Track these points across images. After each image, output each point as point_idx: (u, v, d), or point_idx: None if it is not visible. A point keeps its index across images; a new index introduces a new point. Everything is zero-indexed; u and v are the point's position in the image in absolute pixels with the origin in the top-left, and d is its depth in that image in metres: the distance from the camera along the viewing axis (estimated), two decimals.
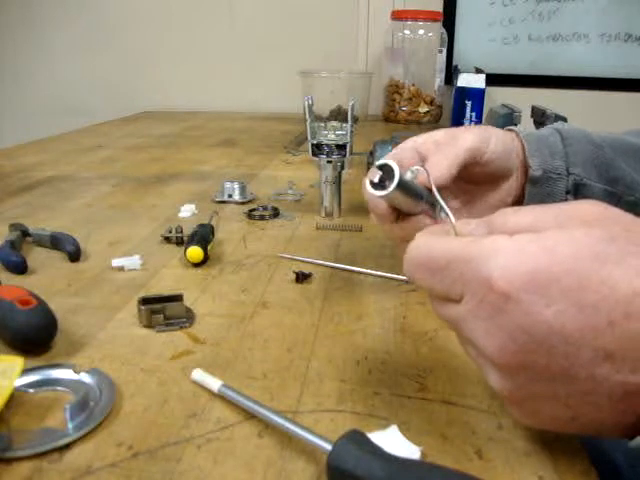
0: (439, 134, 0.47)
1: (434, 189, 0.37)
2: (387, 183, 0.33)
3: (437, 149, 0.45)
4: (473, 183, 0.50)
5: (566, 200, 0.51)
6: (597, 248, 0.25)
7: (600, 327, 0.24)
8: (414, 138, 0.46)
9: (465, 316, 0.28)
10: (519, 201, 0.53)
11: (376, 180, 0.34)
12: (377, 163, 0.34)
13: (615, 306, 0.24)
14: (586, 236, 0.26)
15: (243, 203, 0.76)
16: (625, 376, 0.25)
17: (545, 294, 0.25)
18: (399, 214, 0.41)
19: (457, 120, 1.37)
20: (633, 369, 0.25)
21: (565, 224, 0.28)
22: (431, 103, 1.62)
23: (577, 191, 0.52)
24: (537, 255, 0.26)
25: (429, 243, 0.30)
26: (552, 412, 0.28)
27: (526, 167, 0.52)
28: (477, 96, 1.34)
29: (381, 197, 0.34)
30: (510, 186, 0.51)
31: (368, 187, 0.34)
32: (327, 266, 0.56)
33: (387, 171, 0.33)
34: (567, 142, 0.52)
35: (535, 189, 0.51)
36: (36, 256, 0.58)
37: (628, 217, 0.28)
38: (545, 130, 0.55)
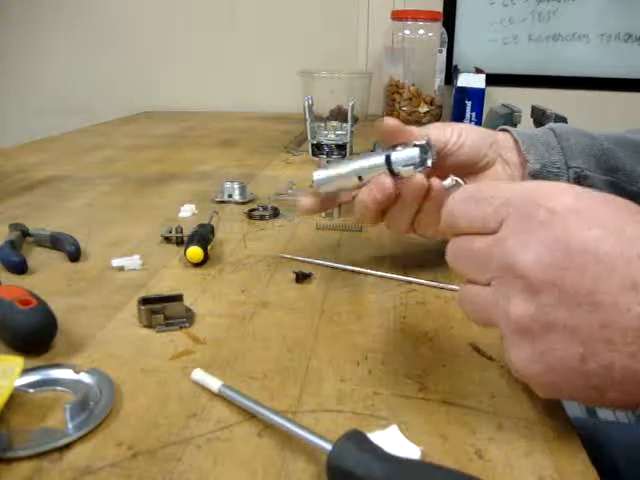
0: None
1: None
2: None
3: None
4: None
5: None
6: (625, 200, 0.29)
7: (632, 257, 0.26)
8: None
9: (503, 236, 0.30)
10: None
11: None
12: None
13: None
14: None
15: (243, 203, 0.76)
16: None
17: (587, 217, 0.28)
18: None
19: (457, 120, 1.37)
20: None
21: None
22: (431, 103, 1.62)
23: (579, 184, 0.52)
24: (580, 190, 0.30)
25: (477, 185, 0.33)
26: (563, 349, 0.28)
27: (523, 158, 0.52)
28: (477, 96, 1.34)
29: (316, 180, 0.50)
30: (495, 173, 0.52)
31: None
32: (327, 266, 0.56)
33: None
34: (561, 138, 0.53)
35: None
36: (36, 256, 0.58)
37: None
38: (537, 130, 0.55)
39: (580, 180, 0.52)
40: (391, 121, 0.48)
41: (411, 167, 0.44)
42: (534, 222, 0.28)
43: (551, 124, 0.56)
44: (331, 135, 0.71)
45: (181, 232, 0.61)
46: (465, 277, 0.33)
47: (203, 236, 0.57)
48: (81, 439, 0.31)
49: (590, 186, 0.52)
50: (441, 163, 0.49)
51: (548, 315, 0.28)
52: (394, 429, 0.32)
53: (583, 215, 0.28)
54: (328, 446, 0.28)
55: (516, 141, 0.53)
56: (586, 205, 0.29)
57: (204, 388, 0.36)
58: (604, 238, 0.27)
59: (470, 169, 0.52)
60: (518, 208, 0.30)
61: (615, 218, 0.28)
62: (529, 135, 0.54)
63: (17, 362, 0.34)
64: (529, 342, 0.29)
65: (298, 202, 0.53)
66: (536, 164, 0.51)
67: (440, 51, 1.60)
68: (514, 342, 0.30)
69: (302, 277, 0.52)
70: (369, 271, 0.54)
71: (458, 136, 0.50)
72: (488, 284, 0.31)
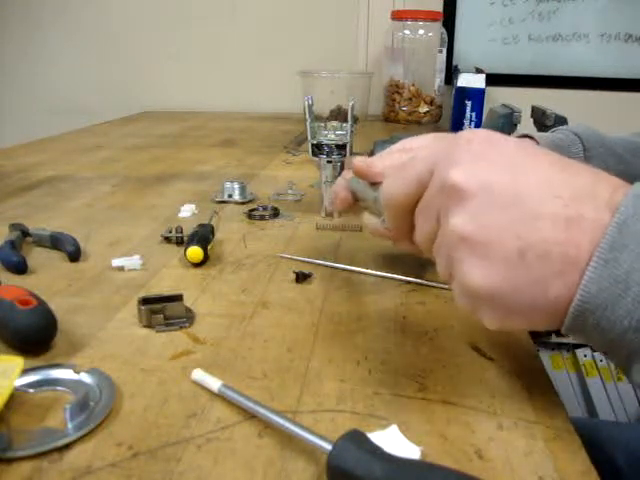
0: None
1: None
2: None
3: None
4: None
5: None
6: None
7: (541, 161, 0.31)
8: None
9: (435, 175, 0.33)
10: None
11: None
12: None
13: (551, 156, 0.31)
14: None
15: (243, 203, 0.76)
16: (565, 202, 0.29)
17: (501, 140, 0.32)
18: None
19: (457, 120, 1.37)
20: (571, 198, 0.29)
21: None
22: (431, 103, 1.62)
23: None
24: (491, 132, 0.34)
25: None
26: (501, 246, 0.29)
27: None
28: (477, 96, 1.34)
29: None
30: None
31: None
32: (327, 266, 0.56)
33: None
34: (589, 154, 0.51)
35: None
36: (36, 256, 0.58)
37: None
38: (564, 134, 0.53)
39: None
40: (357, 163, 0.46)
41: None
42: (457, 150, 0.32)
43: (577, 129, 0.54)
44: (331, 135, 0.70)
45: (181, 232, 0.61)
46: (428, 237, 0.35)
47: (203, 236, 0.57)
48: (81, 439, 0.31)
49: None
50: None
51: (482, 218, 0.30)
52: (394, 429, 0.32)
53: (497, 141, 0.32)
54: (328, 446, 0.28)
55: None
56: (498, 137, 0.33)
57: (204, 388, 0.36)
58: (516, 148, 0.31)
59: None
60: (442, 153, 0.33)
61: (521, 142, 0.33)
62: (555, 146, 0.51)
63: (17, 362, 0.34)
64: (470, 249, 0.30)
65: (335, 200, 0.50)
66: None
67: (440, 51, 1.60)
68: (460, 258, 0.31)
69: (302, 277, 0.52)
70: (369, 271, 0.54)
71: None
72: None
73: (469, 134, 0.33)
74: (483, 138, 0.32)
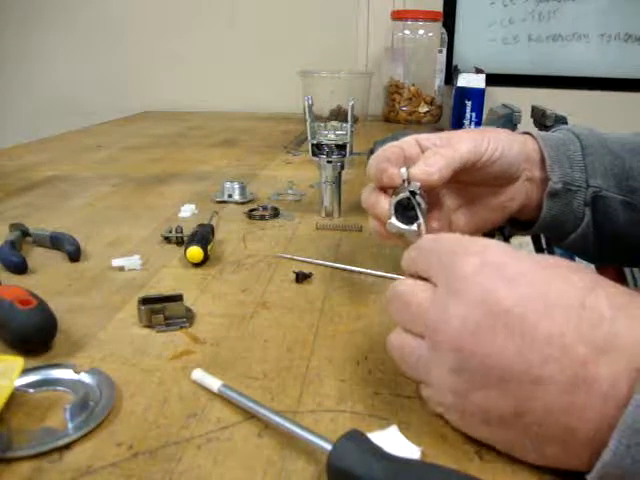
0: (438, 135, 0.47)
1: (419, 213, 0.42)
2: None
3: (434, 150, 0.45)
4: (474, 185, 0.50)
5: (583, 213, 0.50)
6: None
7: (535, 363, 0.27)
8: (416, 135, 0.47)
9: (433, 299, 0.32)
10: (532, 206, 0.51)
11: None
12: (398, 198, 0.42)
13: (544, 348, 0.27)
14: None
15: (243, 203, 0.76)
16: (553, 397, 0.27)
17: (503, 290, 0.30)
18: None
19: (457, 120, 1.36)
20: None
21: None
22: (431, 103, 1.62)
23: (595, 203, 0.50)
24: (493, 266, 0.31)
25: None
26: (497, 406, 0.29)
27: (545, 174, 0.50)
28: (477, 96, 1.34)
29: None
30: (515, 190, 0.50)
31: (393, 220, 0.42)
32: (327, 266, 0.56)
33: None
34: (586, 152, 0.50)
35: (553, 201, 0.50)
36: (36, 256, 0.58)
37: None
38: (563, 134, 0.53)
39: (596, 199, 0.50)
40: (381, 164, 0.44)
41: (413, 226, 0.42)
42: (452, 291, 0.31)
43: (574, 128, 0.53)
44: (331, 135, 0.70)
45: (181, 232, 0.61)
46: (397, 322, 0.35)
47: (203, 236, 0.57)
48: (81, 439, 0.31)
49: (606, 206, 0.50)
50: (472, 174, 0.47)
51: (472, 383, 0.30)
52: (394, 429, 0.32)
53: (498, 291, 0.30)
54: (328, 446, 0.28)
55: (541, 153, 0.51)
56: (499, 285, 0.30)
57: (204, 388, 0.36)
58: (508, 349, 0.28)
59: (504, 180, 0.50)
60: (442, 270, 0.32)
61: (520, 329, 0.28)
62: (555, 144, 0.51)
63: (17, 362, 0.34)
64: (462, 401, 0.31)
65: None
66: (558, 183, 0.49)
67: (440, 51, 1.60)
68: (445, 402, 0.32)
69: (302, 277, 0.52)
70: (369, 271, 0.54)
71: (494, 147, 0.47)
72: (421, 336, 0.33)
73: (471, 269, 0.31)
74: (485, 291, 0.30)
